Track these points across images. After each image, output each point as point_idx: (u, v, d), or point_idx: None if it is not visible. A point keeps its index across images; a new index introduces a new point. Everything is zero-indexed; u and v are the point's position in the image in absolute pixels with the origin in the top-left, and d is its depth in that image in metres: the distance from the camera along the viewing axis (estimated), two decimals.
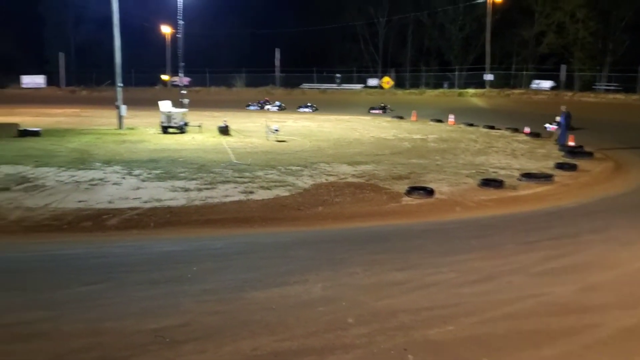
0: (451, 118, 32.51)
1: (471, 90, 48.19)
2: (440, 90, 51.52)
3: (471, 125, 30.32)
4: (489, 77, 49.39)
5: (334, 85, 57.67)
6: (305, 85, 57.55)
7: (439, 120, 33.33)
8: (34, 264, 7.46)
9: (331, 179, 14.32)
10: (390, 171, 15.64)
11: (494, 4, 48.50)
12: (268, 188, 12.84)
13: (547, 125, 26.23)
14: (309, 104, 44.01)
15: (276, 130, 23.13)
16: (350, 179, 14.32)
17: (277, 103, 45.19)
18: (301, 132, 26.58)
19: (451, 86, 52.32)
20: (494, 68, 50.29)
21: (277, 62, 60.54)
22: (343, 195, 12.46)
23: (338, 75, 58.59)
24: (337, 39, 64.49)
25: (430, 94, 50.12)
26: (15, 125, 24.48)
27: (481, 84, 49.09)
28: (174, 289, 5.92)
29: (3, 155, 17.01)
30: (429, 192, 12.70)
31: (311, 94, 52.86)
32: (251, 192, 12.33)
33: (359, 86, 57.15)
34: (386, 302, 5.39)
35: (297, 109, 43.03)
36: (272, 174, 14.72)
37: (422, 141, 23.52)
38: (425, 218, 11.20)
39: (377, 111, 40.58)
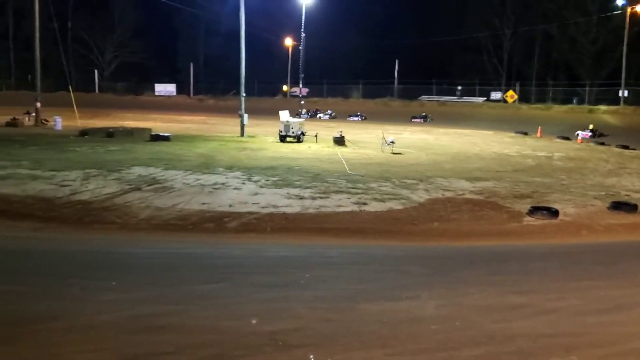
0: (581, 134, 30.61)
1: (603, 107, 45.09)
2: (569, 106, 48.76)
3: (602, 144, 28.32)
4: (624, 93, 45.90)
5: (453, 98, 56.56)
6: (424, 97, 56.95)
7: (566, 138, 31.47)
8: (162, 260, 7.94)
9: (448, 194, 13.96)
10: (512, 189, 14.96)
11: (632, 15, 45.08)
12: (382, 200, 12.77)
13: None
14: (358, 113, 44.41)
15: (392, 142, 23.04)
16: (469, 196, 13.88)
17: (329, 111, 45.76)
18: (418, 144, 26.26)
19: (580, 102, 49.33)
20: (630, 84, 46.67)
21: (395, 74, 60.46)
22: (460, 212, 12.09)
23: (459, 87, 57.36)
24: (459, 50, 63.23)
25: (557, 109, 47.52)
26: (148, 130, 26.43)
27: (615, 101, 45.75)
28: (288, 293, 6.02)
29: (137, 157, 18.38)
30: (554, 212, 11.97)
31: (430, 106, 52.16)
32: (364, 204, 12.33)
33: (480, 99, 55.58)
34: (503, 325, 5.12)
35: (347, 117, 43.32)
36: (386, 186, 14.63)
37: (547, 159, 22.32)
38: (548, 240, 10.56)
39: (418, 120, 39.65)
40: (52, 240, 9.51)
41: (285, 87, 60.65)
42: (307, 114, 45.20)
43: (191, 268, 7.47)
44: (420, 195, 13.59)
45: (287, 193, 13.21)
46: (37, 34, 32.73)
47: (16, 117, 30.88)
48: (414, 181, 15.57)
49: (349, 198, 12.91)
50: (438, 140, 29.06)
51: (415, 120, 42.92)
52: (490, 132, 35.75)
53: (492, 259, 8.83)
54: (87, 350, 4.41)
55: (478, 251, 9.63)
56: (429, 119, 43.17)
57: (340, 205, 12.15)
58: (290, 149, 23.17)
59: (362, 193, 13.48)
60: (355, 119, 43.90)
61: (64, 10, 57.38)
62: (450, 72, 62.18)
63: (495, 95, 54.84)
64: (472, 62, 61.98)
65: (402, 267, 7.79)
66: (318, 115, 45.02)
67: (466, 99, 56.02)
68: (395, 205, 12.43)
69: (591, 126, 34.60)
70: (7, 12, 62.13)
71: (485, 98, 55.24)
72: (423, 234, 10.61)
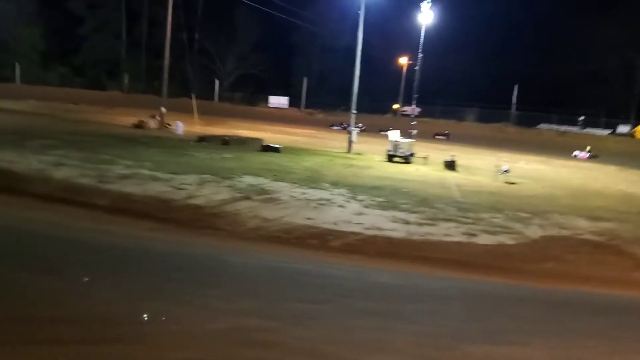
0: None
1: None
2: None
3: None
4: None
5: (574, 128, 53.51)
6: (543, 126, 54.41)
7: None
8: (265, 273, 8.05)
9: (564, 232, 13.08)
10: (638, 234, 13.75)
11: None
12: (492, 233, 12.20)
13: None
14: (446, 132, 43.28)
15: (506, 170, 22.10)
16: (588, 236, 12.92)
17: (360, 125, 45.11)
18: (534, 175, 25.02)
19: None
20: None
21: (513, 99, 58.33)
22: (577, 254, 11.26)
23: (581, 117, 54.24)
24: (584, 78, 59.80)
25: None
26: (260, 140, 27.28)
27: None
28: (390, 324, 5.85)
29: (248, 166, 18.96)
30: None
31: (548, 135, 49.69)
32: (473, 235, 11.84)
33: (605, 131, 52.16)
34: None
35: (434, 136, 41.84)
36: (498, 218, 13.99)
37: None
38: None
39: (441, 137, 37.31)
40: (167, 241, 9.97)
41: (396, 105, 60.42)
42: (339, 126, 46.40)
43: (293, 284, 7.50)
44: (534, 231, 12.83)
45: (393, 216, 12.99)
46: (167, 43, 34.98)
47: (143, 119, 33.07)
48: (528, 215, 14.76)
49: (457, 227, 12.45)
50: (556, 173, 27.52)
51: (439, 137, 42.04)
52: (614, 168, 33.32)
53: (613, 310, 8.10)
54: (191, 358, 4.51)
55: (596, 299, 8.89)
56: (450, 137, 42.30)
57: (448, 235, 11.75)
58: (397, 170, 22.91)
59: (472, 223, 12.97)
60: (442, 137, 44.24)
61: (192, 22, 61.12)
62: (573, 101, 58.96)
63: (623, 129, 51.18)
64: (598, 92, 58.36)
65: (512, 309, 7.34)
66: (348, 129, 46.23)
67: (589, 130, 52.76)
68: (507, 239, 11.81)
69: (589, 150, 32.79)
70: (142, 21, 67.13)
71: (610, 131, 51.72)
72: (535, 273, 9.98)
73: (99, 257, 8.13)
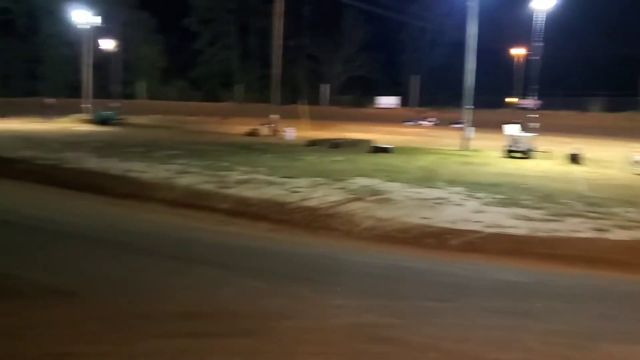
0: None
1: None
2: None
3: None
4: None
5: None
6: None
7: None
8: (385, 271, 8.02)
9: None
10: None
11: None
12: (626, 228, 11.27)
13: None
14: (463, 121, 41.33)
15: (638, 161, 20.37)
16: None
17: (433, 119, 42.26)
18: None
19: None
20: None
21: None
22: None
23: None
24: None
25: None
26: (370, 141, 27.27)
27: None
28: (517, 322, 5.59)
29: (359, 167, 19.02)
30: None
31: None
32: (605, 230, 11.00)
33: None
34: None
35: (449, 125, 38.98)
36: (631, 212, 12.92)
37: None
38: None
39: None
40: (284, 241, 10.25)
41: (511, 99, 57.96)
42: (413, 121, 47.00)
43: (414, 283, 7.40)
44: None
45: (514, 213, 12.41)
46: (277, 52, 36.09)
47: (256, 127, 34.35)
48: None
49: (586, 223, 11.63)
50: None
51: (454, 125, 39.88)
52: None
53: None
54: (317, 352, 4.58)
55: None
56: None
57: (575, 230, 11.00)
58: (517, 165, 21.90)
59: (603, 218, 12.06)
60: (457, 126, 43.75)
61: (300, 29, 62.66)
62: None
63: None
64: None
65: None
66: (419, 122, 49.01)
67: None
68: None
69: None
70: (253, 32, 69.85)
71: None
72: None
73: (224, 256, 8.53)
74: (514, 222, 11.56)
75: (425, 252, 9.75)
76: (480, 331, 5.25)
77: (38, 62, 60.06)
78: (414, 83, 59.28)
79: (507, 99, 58.39)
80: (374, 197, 13.75)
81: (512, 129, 25.56)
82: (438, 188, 15.43)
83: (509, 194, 14.75)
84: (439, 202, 13.49)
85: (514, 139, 24.96)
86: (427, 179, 16.89)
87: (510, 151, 24.72)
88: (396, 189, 14.91)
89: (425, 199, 13.67)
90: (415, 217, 11.83)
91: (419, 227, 11.05)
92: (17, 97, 57.31)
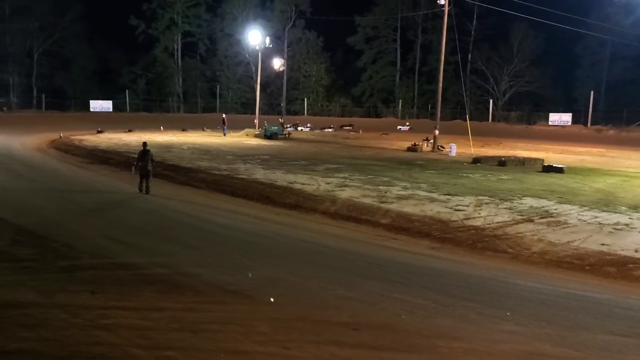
0: None
1: None
2: None
3: None
4: None
5: None
6: None
7: None
8: (558, 299, 7.42)
9: None
10: None
11: None
12: None
13: None
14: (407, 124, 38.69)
15: None
16: None
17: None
18: None
19: None
20: None
21: None
22: None
23: None
24: None
25: None
26: (540, 160, 25.64)
27: None
28: None
29: (528, 187, 17.93)
30: None
31: None
32: None
33: None
34: None
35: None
36: None
37: None
38: None
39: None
40: (447, 260, 9.95)
41: None
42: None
43: (593, 314, 6.75)
44: None
45: None
46: (441, 67, 35.57)
47: (416, 143, 34.08)
48: None
49: None
50: None
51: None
52: None
53: None
54: None
55: None
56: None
57: None
58: None
59: None
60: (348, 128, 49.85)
61: (466, 44, 61.17)
62: None
63: None
64: None
65: None
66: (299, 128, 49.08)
67: None
68: None
69: None
70: (416, 48, 69.71)
71: None
72: None
73: (386, 271, 8.49)
74: None
75: (605, 282, 8.86)
76: None
77: (215, 80, 65.64)
78: (590, 99, 54.78)
79: None
80: (545, 220, 12.86)
81: None
82: (619, 213, 13.99)
83: None
84: (619, 228, 12.23)
85: None
86: (606, 203, 15.40)
87: None
88: (570, 212, 13.80)
89: (604, 224, 12.47)
90: (593, 243, 10.84)
91: (597, 254, 10.11)
92: (196, 112, 63.20)
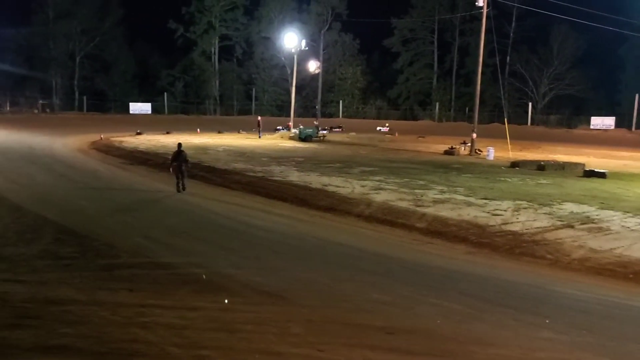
0: None
1: None
2: None
3: None
4: None
5: None
6: None
7: None
8: (599, 307, 7.22)
9: None
10: None
11: None
12: None
13: None
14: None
15: None
16: None
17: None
18: None
19: None
20: None
21: None
22: None
23: None
24: None
25: None
26: (582, 165, 25.01)
27: None
28: None
29: (569, 192, 17.50)
30: None
31: None
32: None
33: None
34: None
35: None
36: None
37: None
38: None
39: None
40: (484, 265, 9.78)
41: None
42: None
43: (635, 323, 6.52)
44: None
45: None
46: (479, 70, 35.08)
47: (453, 146, 33.65)
48: None
49: None
50: None
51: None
52: None
53: None
54: None
55: None
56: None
57: None
58: None
59: None
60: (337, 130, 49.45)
61: (504, 47, 60.11)
62: None
63: None
64: None
65: None
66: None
67: None
68: None
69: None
70: (453, 50, 68.94)
71: None
72: None
73: (422, 276, 8.41)
74: None
75: None
76: None
77: (251, 83, 66.27)
78: (635, 102, 53.07)
79: None
80: (587, 226, 12.53)
81: None
82: None
83: None
84: None
85: None
86: None
87: None
88: (613, 218, 13.41)
89: None
90: (637, 250, 10.51)
91: None
92: (232, 115, 63.86)
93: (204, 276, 7.16)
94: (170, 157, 16.77)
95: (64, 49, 57.07)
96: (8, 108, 43.21)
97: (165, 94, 60.52)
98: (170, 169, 16.07)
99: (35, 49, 55.71)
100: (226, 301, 6.35)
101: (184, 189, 15.70)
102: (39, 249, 8.48)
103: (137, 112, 55.03)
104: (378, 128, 55.33)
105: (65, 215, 11.50)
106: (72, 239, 9.31)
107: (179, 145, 16.50)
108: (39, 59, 55.90)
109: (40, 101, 52.92)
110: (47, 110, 52.00)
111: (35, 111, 50.47)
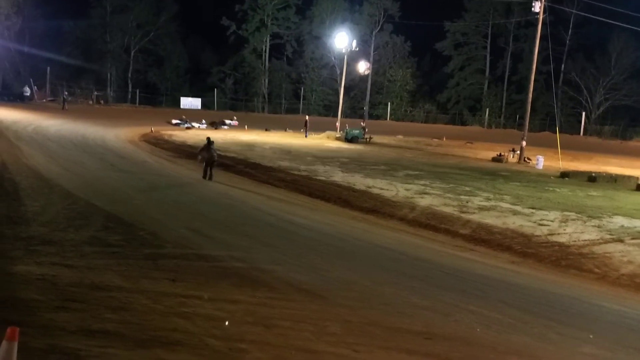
0: None
1: None
2: None
3: None
4: None
5: None
6: None
7: None
8: None
9: None
10: None
11: None
12: None
13: None
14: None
15: None
16: None
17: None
18: None
19: None
20: None
21: None
22: None
23: None
24: None
25: None
26: (635, 178, 24.14)
27: None
28: None
29: (620, 206, 16.95)
30: None
31: None
32: None
33: None
34: None
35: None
36: None
37: None
38: None
39: None
40: (528, 276, 9.58)
41: None
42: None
43: None
44: None
45: None
46: (532, 77, 34.30)
47: (502, 153, 33.00)
48: None
49: None
50: None
51: None
52: None
53: None
54: None
55: None
56: None
57: None
58: None
59: None
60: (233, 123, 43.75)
61: (559, 54, 58.50)
62: None
63: None
64: None
65: None
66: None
67: None
68: None
69: None
70: (506, 56, 67.52)
71: None
72: None
73: (463, 283, 8.28)
74: None
75: None
76: None
77: (300, 82, 66.54)
78: None
79: None
80: (637, 241, 12.11)
81: None
82: None
83: None
84: None
85: None
86: None
87: None
88: None
89: None
90: None
91: None
92: (279, 113, 64.27)
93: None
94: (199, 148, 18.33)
95: (120, 43, 58.66)
96: (67, 97, 44.69)
97: (216, 90, 61.45)
98: (199, 158, 17.57)
99: (92, 41, 57.50)
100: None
101: (210, 178, 16.80)
102: (88, 235, 8.75)
103: (187, 107, 56.06)
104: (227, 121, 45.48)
105: (114, 203, 11.83)
106: (119, 227, 9.57)
107: (208, 139, 17.82)
108: (95, 52, 57.68)
109: (95, 93, 54.48)
110: (101, 101, 53.56)
111: (90, 102, 52.04)
